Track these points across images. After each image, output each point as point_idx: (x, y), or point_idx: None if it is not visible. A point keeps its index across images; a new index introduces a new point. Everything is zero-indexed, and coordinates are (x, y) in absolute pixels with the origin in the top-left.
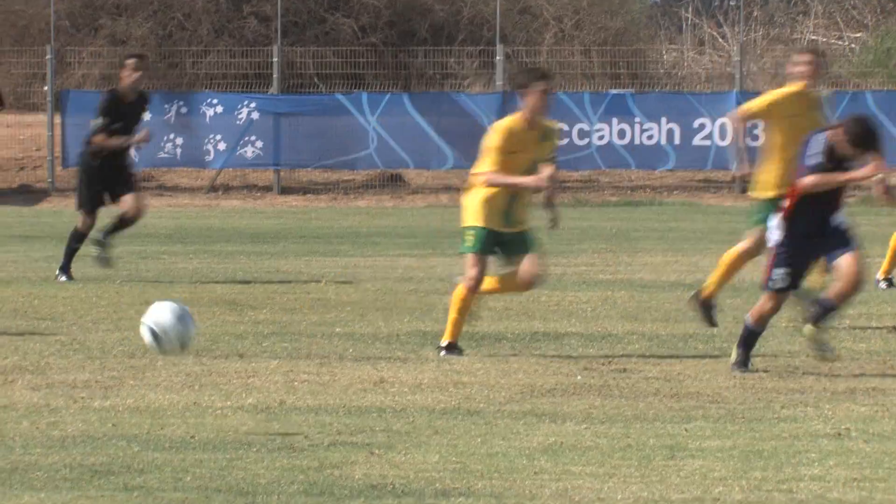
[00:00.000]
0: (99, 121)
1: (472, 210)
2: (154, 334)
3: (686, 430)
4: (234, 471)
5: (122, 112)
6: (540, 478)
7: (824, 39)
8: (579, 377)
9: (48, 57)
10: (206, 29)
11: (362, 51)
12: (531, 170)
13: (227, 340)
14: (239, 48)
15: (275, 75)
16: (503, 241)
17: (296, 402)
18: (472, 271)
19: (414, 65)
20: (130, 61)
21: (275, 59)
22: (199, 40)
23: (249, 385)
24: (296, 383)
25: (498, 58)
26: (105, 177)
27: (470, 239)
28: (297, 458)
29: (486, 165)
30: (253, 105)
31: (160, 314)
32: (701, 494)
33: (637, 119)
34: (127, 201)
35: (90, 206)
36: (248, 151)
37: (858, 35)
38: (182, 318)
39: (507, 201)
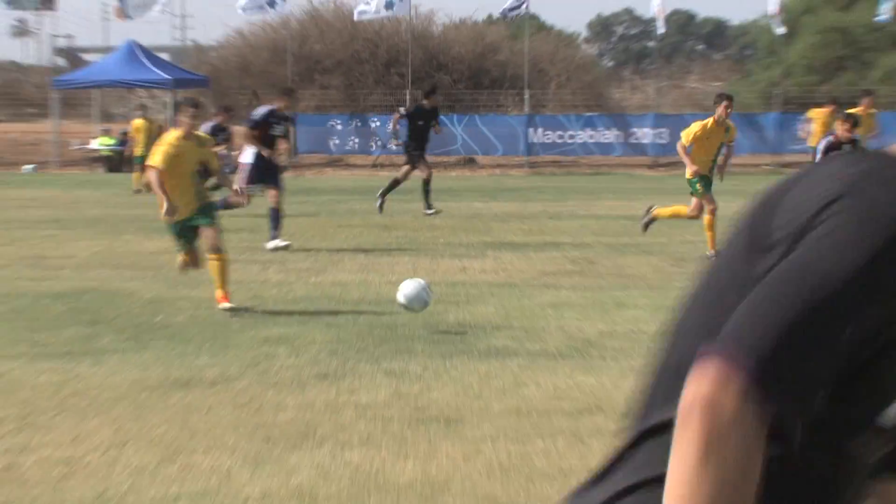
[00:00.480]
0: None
1: (691, 166)
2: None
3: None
4: (384, 316)
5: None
6: (548, 319)
7: (701, 86)
8: (569, 266)
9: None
10: (370, 80)
11: (455, 93)
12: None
13: (380, 247)
14: (388, 91)
15: (407, 104)
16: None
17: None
18: (710, 205)
19: (482, 99)
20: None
21: (408, 98)
22: (366, 86)
23: (393, 269)
24: (417, 268)
25: (526, 96)
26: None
27: (699, 185)
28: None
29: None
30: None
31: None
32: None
33: (600, 128)
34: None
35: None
36: (394, 146)
37: (719, 83)
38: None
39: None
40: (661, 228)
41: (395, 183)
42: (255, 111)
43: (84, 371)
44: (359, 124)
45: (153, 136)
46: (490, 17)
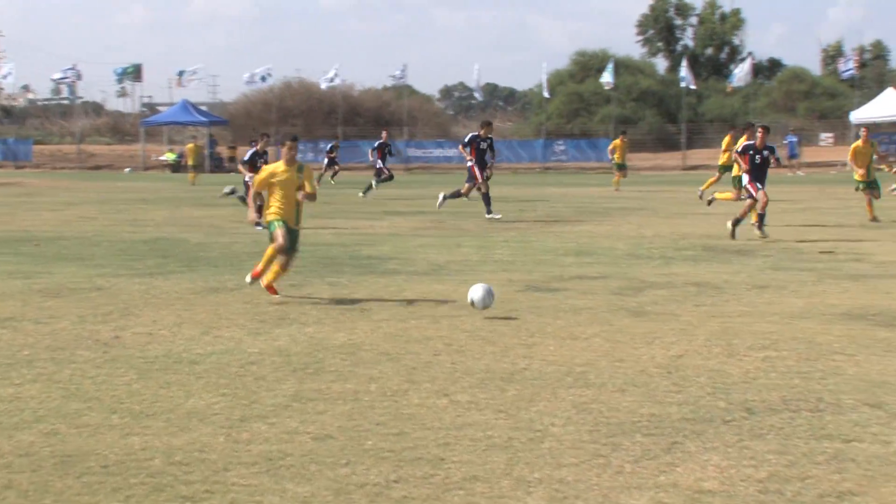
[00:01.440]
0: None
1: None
2: (478, 301)
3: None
4: (326, 252)
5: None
6: (418, 253)
7: (502, 125)
8: (429, 224)
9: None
10: (319, 121)
11: (366, 129)
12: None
13: (326, 215)
14: (329, 128)
15: (340, 138)
16: None
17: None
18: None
19: (378, 133)
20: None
21: (340, 133)
22: (316, 125)
23: (335, 226)
24: (348, 227)
25: (405, 130)
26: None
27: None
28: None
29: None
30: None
31: (477, 293)
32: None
33: (445, 147)
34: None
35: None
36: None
37: (511, 123)
38: (486, 294)
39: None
40: (476, 203)
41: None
42: (466, 135)
43: (159, 283)
44: (311, 146)
45: (199, 153)
46: (385, 86)
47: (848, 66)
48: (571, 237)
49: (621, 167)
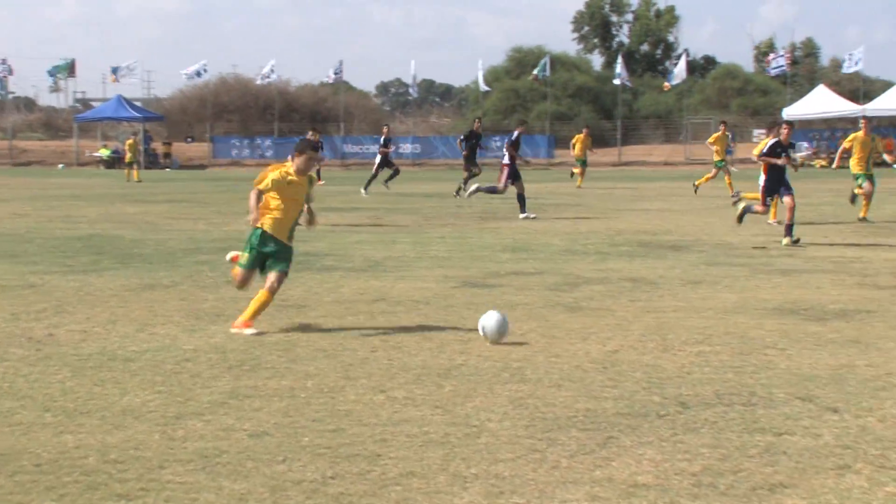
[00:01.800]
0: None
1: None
2: (488, 329)
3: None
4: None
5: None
6: (354, 250)
7: (438, 121)
8: (366, 220)
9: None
10: (254, 117)
11: (302, 125)
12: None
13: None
14: (265, 123)
15: (275, 134)
16: None
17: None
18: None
19: (318, 128)
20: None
21: (276, 128)
22: (252, 121)
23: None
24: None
25: (342, 126)
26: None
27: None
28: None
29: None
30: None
31: (489, 321)
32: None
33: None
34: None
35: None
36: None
37: (448, 119)
38: (500, 323)
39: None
40: (413, 199)
41: (465, 180)
42: (510, 134)
43: (93, 280)
44: (247, 142)
45: (136, 149)
46: (321, 82)
47: (779, 63)
48: (508, 233)
49: (582, 163)
